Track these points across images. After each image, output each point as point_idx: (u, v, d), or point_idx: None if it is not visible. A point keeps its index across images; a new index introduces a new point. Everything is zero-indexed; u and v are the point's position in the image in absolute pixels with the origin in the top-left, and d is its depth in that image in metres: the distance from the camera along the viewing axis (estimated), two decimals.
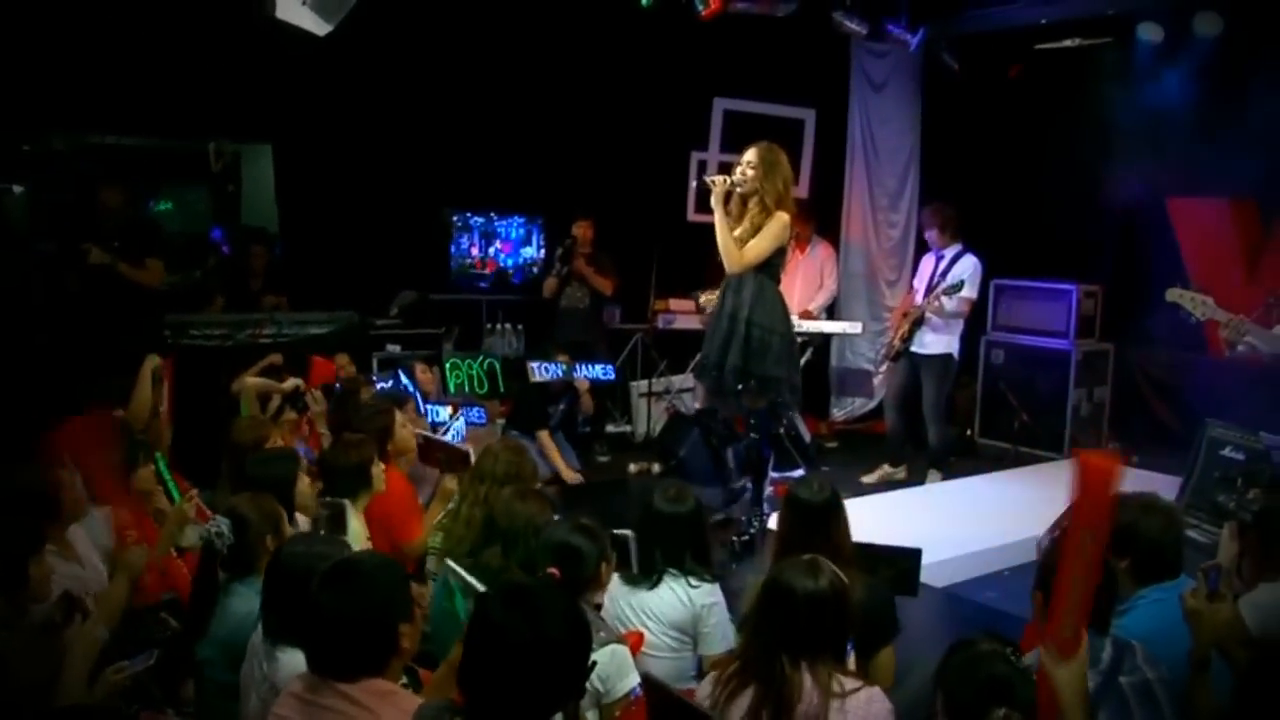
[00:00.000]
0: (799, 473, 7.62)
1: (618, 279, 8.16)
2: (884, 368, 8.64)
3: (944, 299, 7.03)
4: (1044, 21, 8.34)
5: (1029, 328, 8.81)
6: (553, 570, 2.95)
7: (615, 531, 3.47)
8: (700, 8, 7.52)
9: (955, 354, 7.42)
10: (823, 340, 7.97)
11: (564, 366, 7.22)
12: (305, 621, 2.46)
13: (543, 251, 8.67)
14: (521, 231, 8.67)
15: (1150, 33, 7.75)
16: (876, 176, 9.54)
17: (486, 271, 8.53)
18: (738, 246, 5.60)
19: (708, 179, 5.69)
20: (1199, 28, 7.64)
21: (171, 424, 5.21)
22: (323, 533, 3.58)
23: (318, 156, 7.81)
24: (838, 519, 3.62)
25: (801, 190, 9.50)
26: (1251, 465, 5.66)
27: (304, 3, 6.04)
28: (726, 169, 5.87)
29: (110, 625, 3.21)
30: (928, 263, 7.52)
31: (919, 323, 7.25)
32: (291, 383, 5.17)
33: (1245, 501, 3.93)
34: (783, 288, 8.55)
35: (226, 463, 4.37)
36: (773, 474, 7.53)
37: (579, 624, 2.17)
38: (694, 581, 3.63)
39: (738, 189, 5.60)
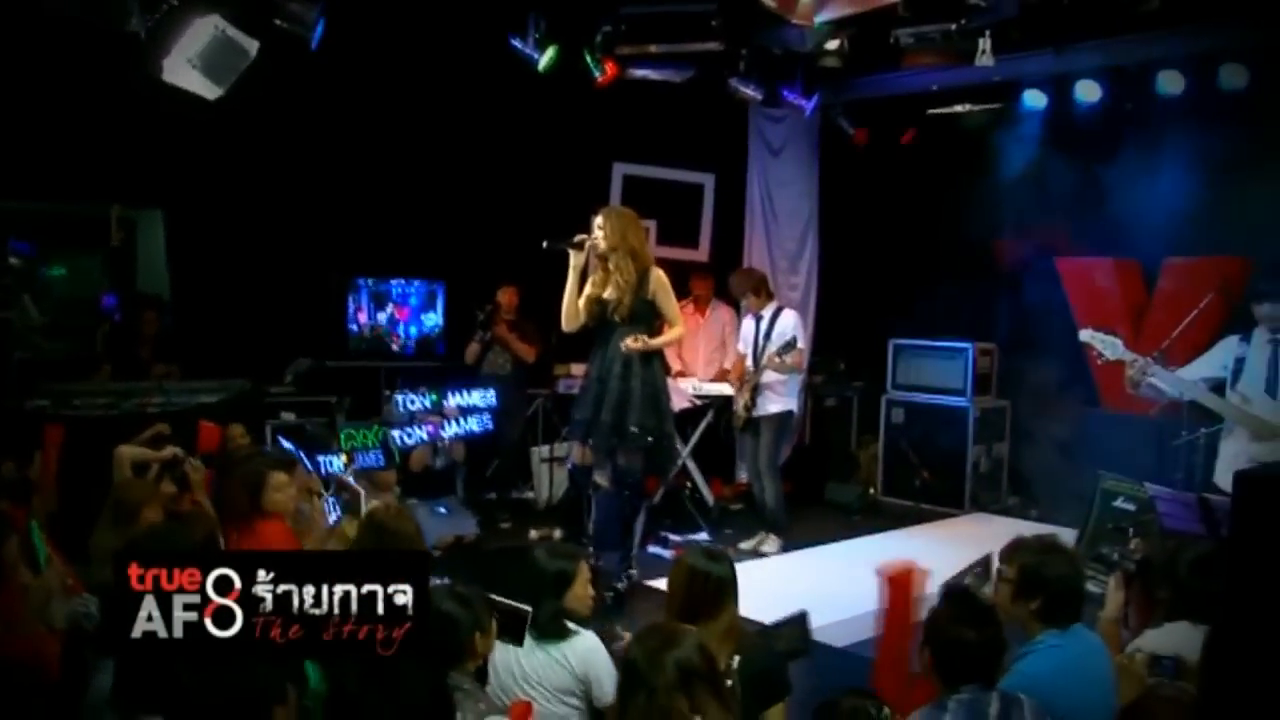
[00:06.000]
0: (702, 535, 7.62)
1: (541, 345, 8.11)
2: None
3: (780, 359, 7.12)
4: (935, 88, 8.57)
5: (927, 386, 8.95)
6: None
7: (516, 605, 3.36)
8: (596, 74, 7.60)
9: (794, 410, 7.54)
10: (724, 402, 7.98)
11: (431, 396, 7.14)
12: (171, 702, 2.33)
13: (444, 319, 8.64)
14: (422, 298, 8.61)
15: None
16: (776, 239, 9.64)
17: (387, 338, 8.42)
18: (576, 309, 5.99)
19: (576, 239, 5.93)
20: (1080, 94, 7.91)
21: (55, 495, 5.02)
22: None
23: (210, 222, 7.67)
24: (731, 592, 3.55)
25: (702, 254, 9.59)
26: (1141, 515, 5.78)
27: (193, 65, 5.94)
28: None
29: None
30: (748, 326, 7.56)
31: (757, 389, 7.32)
32: (169, 451, 4.96)
33: (1127, 552, 4.00)
34: (685, 351, 8.67)
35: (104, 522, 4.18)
36: (674, 537, 7.51)
37: (440, 695, 2.08)
38: (563, 637, 3.52)
39: (596, 250, 5.92)
